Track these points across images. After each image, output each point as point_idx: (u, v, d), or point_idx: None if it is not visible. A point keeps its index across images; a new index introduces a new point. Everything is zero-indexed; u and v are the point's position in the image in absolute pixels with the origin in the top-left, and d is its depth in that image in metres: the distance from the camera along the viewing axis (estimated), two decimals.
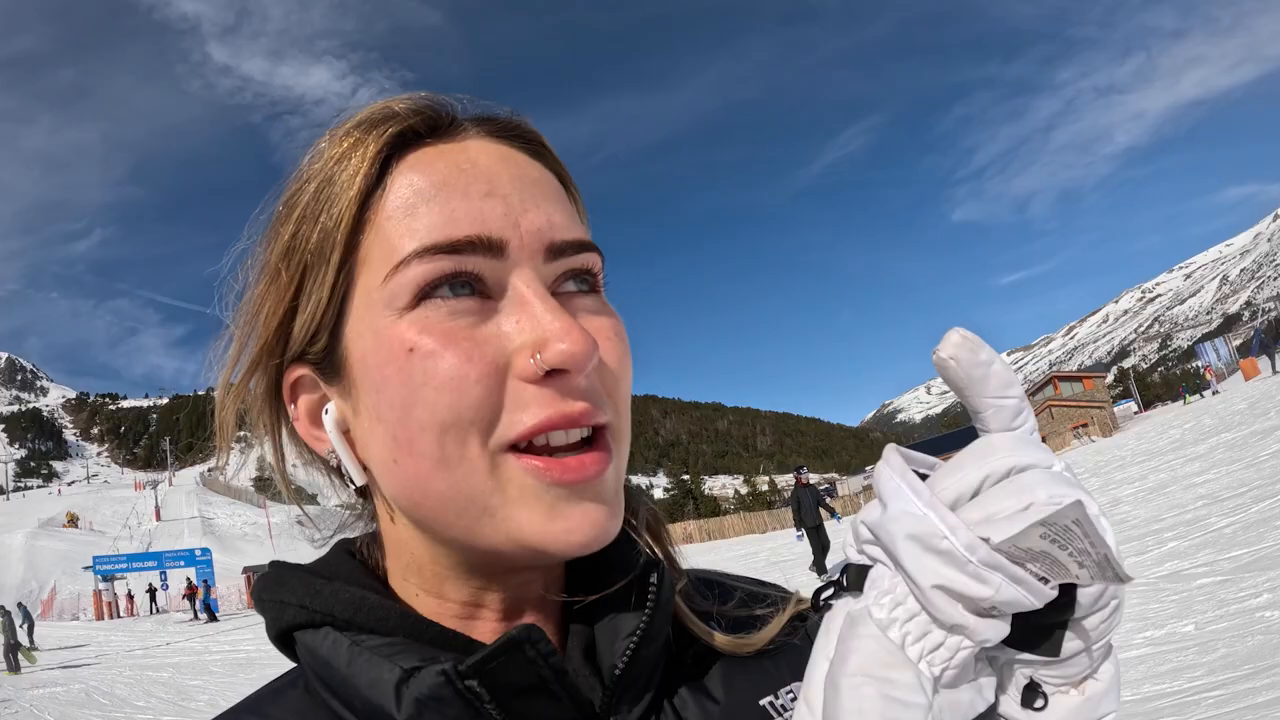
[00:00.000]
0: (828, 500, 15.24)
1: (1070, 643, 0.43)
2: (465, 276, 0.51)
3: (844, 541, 0.50)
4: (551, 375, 0.50)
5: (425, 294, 0.51)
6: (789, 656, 0.65)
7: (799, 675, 0.61)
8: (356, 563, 0.61)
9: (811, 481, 15.46)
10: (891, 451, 0.47)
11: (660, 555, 0.63)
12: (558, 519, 0.51)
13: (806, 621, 0.68)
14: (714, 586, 0.71)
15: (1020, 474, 0.42)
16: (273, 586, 0.57)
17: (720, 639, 0.63)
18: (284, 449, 0.62)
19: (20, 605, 25.88)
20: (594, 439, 0.53)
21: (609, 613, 0.57)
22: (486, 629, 0.58)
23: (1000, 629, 0.41)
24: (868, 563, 0.46)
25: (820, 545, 14.18)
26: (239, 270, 0.60)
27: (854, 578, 0.46)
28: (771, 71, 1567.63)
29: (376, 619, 0.53)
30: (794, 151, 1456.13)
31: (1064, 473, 0.43)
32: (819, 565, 13.95)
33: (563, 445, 0.52)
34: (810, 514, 14.48)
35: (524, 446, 0.51)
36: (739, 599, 0.69)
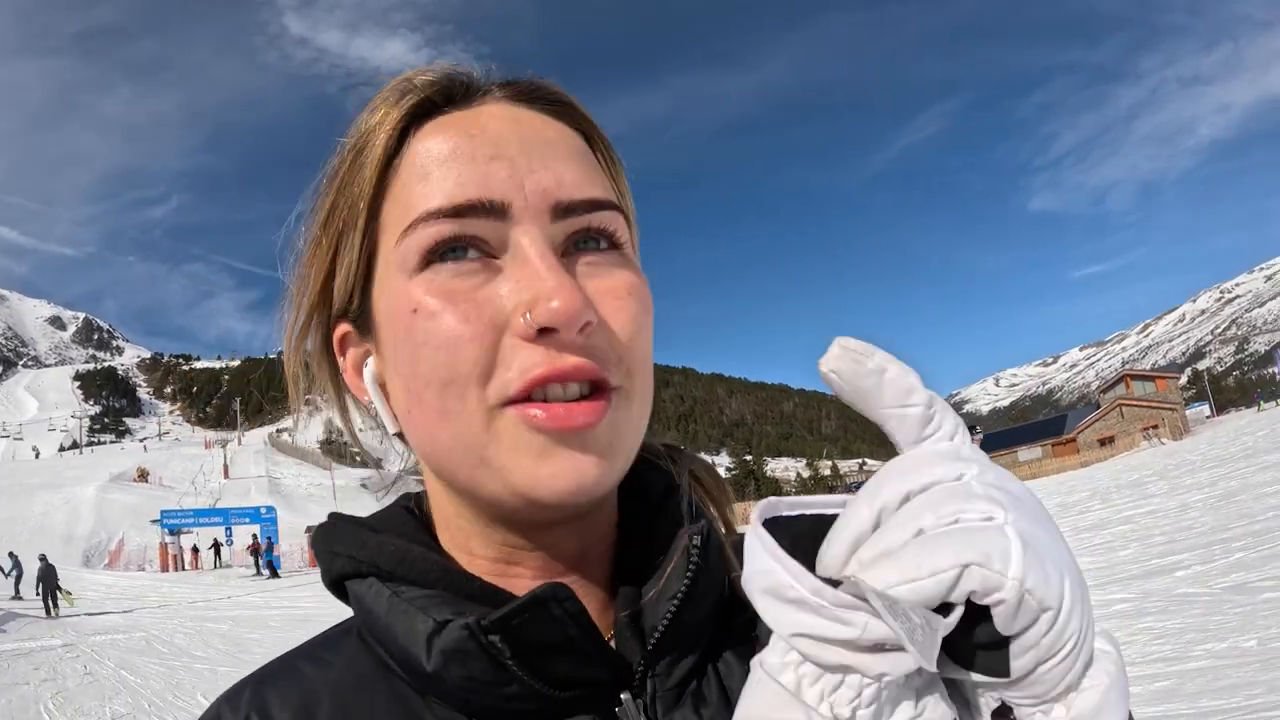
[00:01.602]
0: None
1: (1020, 659, 0.38)
2: (468, 239, 0.54)
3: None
4: (544, 333, 0.52)
5: (431, 257, 0.54)
6: None
7: None
8: (410, 517, 0.64)
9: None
10: (759, 508, 0.45)
11: (716, 516, 0.65)
12: (544, 464, 0.52)
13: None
14: None
15: (918, 495, 0.40)
16: (326, 537, 0.61)
17: None
18: (346, 401, 0.66)
19: (11, 554, 27.08)
20: (594, 394, 0.54)
21: (656, 574, 0.57)
22: (522, 586, 0.58)
23: (900, 662, 0.38)
24: None
25: None
26: (294, 237, 0.64)
27: (765, 631, 0.44)
28: (849, 52, 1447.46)
29: (418, 571, 0.56)
30: (870, 134, 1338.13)
31: (974, 481, 0.40)
32: None
33: (559, 399, 0.53)
34: None
35: (523, 400, 0.52)
36: None
